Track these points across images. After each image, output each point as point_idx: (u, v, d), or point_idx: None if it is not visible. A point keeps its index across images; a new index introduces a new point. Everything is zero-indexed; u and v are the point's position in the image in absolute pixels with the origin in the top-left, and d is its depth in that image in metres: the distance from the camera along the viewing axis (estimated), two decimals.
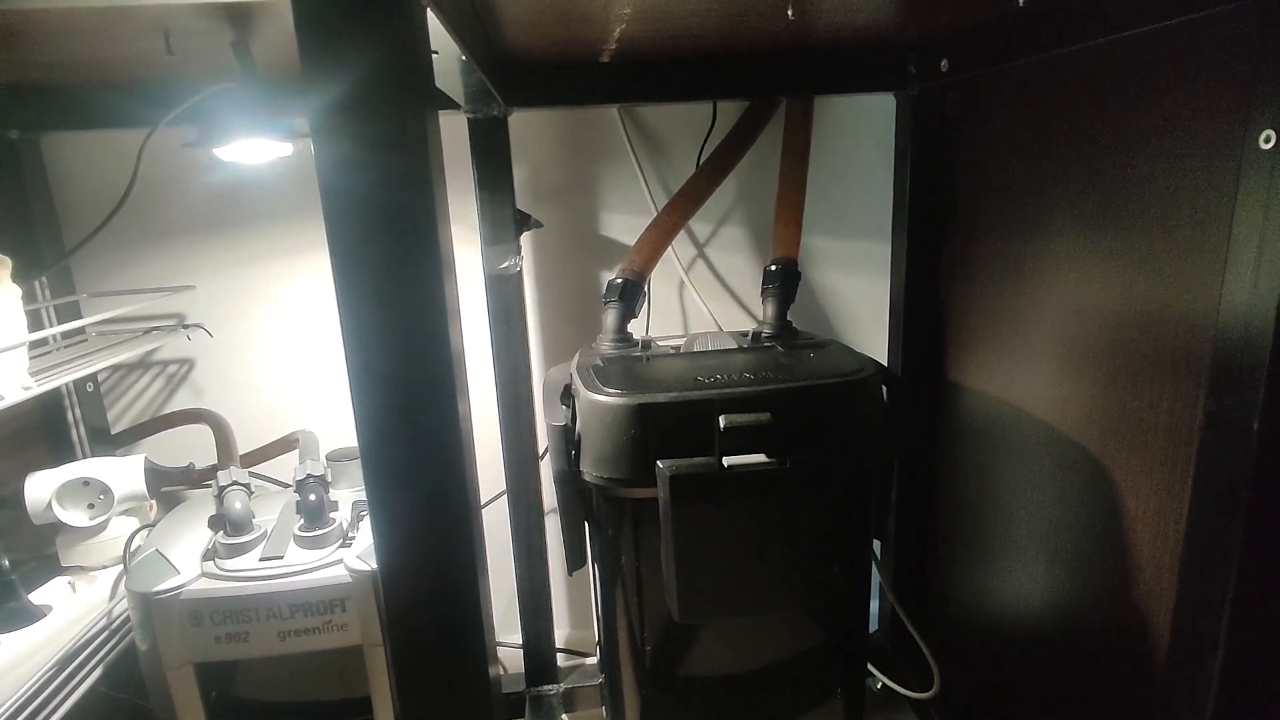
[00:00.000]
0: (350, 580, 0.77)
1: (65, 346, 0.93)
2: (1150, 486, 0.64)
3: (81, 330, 0.97)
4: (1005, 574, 0.86)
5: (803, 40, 0.85)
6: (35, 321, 0.90)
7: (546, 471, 1.02)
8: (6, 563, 0.80)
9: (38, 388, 0.73)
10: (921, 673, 0.99)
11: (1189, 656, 0.59)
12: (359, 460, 0.94)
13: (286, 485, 1.01)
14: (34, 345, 0.84)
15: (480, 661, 0.49)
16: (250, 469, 0.98)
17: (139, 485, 0.90)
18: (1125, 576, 0.67)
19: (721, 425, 0.68)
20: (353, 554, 0.79)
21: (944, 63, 0.88)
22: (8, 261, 0.73)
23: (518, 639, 1.10)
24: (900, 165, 0.99)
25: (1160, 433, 0.63)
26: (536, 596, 1.08)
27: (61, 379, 0.78)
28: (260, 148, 0.77)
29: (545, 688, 1.10)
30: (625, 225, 1.09)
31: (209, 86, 0.74)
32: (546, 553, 1.07)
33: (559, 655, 1.15)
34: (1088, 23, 0.66)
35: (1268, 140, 0.50)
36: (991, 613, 0.90)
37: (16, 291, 0.73)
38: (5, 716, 0.68)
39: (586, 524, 0.80)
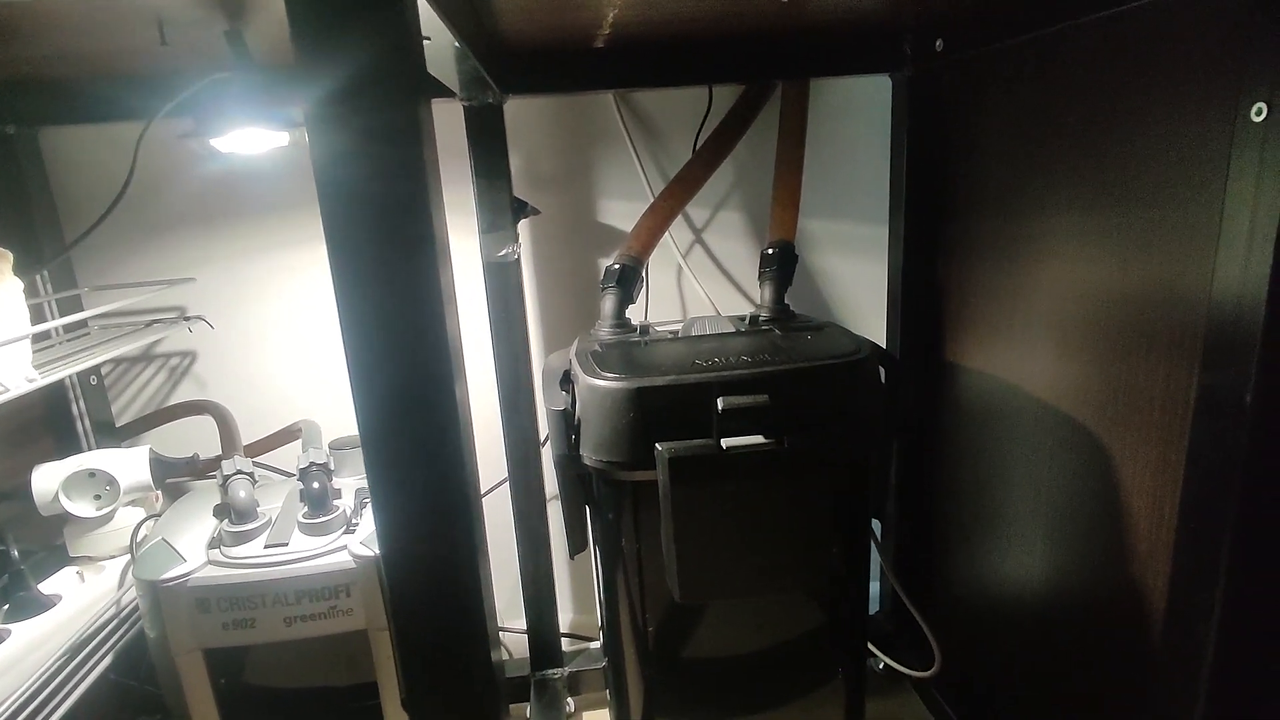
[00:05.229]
0: (354, 566, 0.78)
1: (68, 340, 0.93)
2: (1146, 461, 0.64)
3: (84, 323, 0.98)
4: (1004, 551, 0.87)
5: (797, 23, 0.85)
6: (37, 315, 0.90)
7: (548, 459, 1.03)
8: (16, 553, 0.81)
9: (42, 379, 0.73)
10: (923, 652, 1.00)
11: (1184, 628, 0.60)
12: (361, 449, 0.96)
13: (290, 475, 1.02)
14: (37, 339, 0.84)
15: (482, 644, 0.49)
16: (254, 459, 0.99)
17: (144, 476, 0.91)
18: (1122, 551, 0.68)
19: (720, 407, 0.68)
20: (356, 540, 0.80)
21: (939, 43, 0.88)
22: (9, 255, 0.74)
23: (522, 624, 1.11)
24: (897, 147, 0.99)
25: (1156, 408, 0.63)
26: (540, 582, 1.09)
27: (64, 371, 0.79)
28: (256, 137, 0.77)
29: (550, 671, 1.12)
30: (622, 211, 1.09)
31: (204, 77, 0.74)
32: (549, 539, 1.08)
33: (563, 640, 1.16)
34: None
35: (1259, 113, 0.50)
36: (991, 590, 0.91)
37: (19, 285, 0.74)
38: (18, 703, 0.70)
39: (587, 508, 0.81)
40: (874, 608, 1.19)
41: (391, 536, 0.46)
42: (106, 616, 0.82)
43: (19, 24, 0.65)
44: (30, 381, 0.72)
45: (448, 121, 0.94)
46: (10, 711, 0.68)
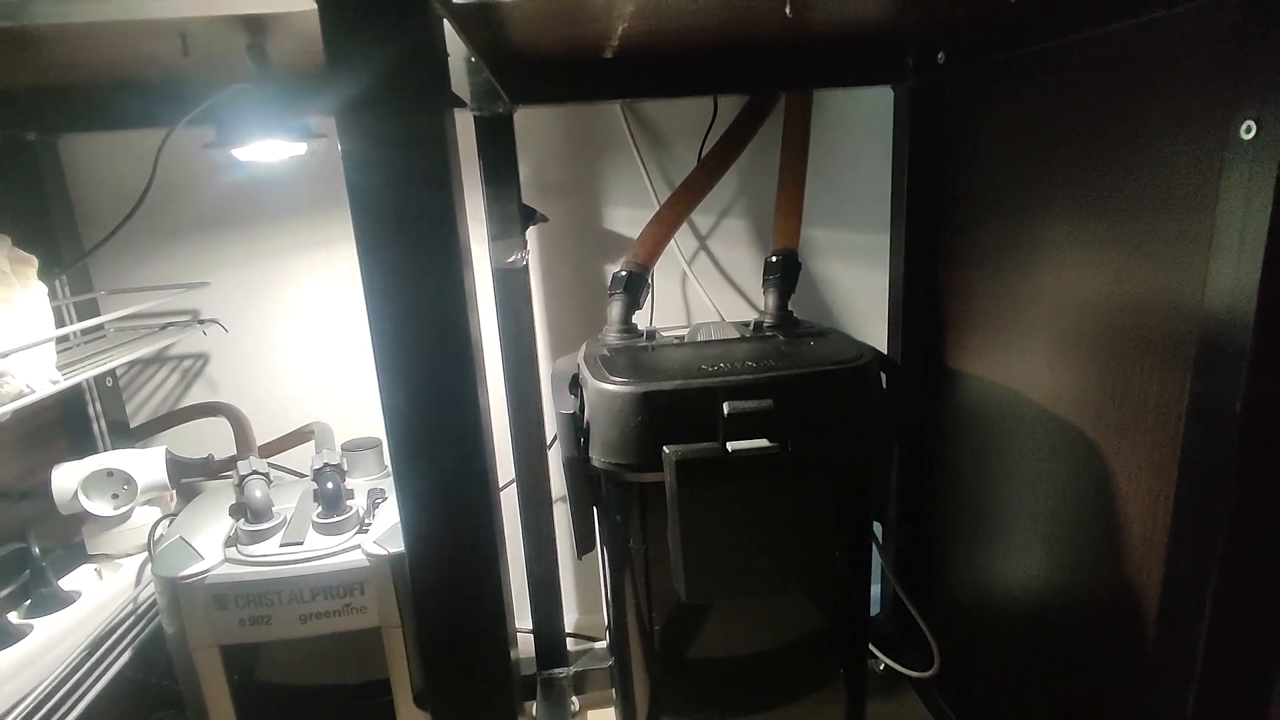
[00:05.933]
0: (368, 564, 0.80)
1: (86, 342, 0.95)
2: (1141, 466, 0.66)
3: (100, 327, 1.00)
4: (1003, 554, 0.89)
5: (801, 35, 0.87)
6: (56, 319, 0.92)
7: (554, 460, 1.05)
8: (37, 550, 0.83)
9: (65, 381, 0.75)
10: (923, 653, 1.01)
11: (1178, 629, 0.61)
12: (373, 450, 0.98)
13: (303, 475, 1.04)
14: (56, 341, 0.86)
15: (501, 640, 0.51)
16: (267, 460, 1.01)
17: (161, 476, 0.93)
18: (1118, 553, 0.70)
19: (725, 411, 0.70)
20: (370, 539, 0.82)
21: (940, 55, 0.90)
22: (34, 260, 0.76)
23: (528, 624, 1.13)
24: (898, 156, 1.01)
25: (1150, 414, 0.65)
26: (546, 582, 1.10)
27: (85, 373, 0.80)
28: (275, 147, 0.79)
29: (556, 670, 1.13)
30: (628, 219, 1.11)
31: (225, 88, 0.76)
32: (555, 539, 1.10)
33: (569, 640, 1.18)
34: (1079, 15, 0.68)
35: (1249, 130, 0.52)
36: (990, 592, 0.93)
37: (43, 289, 0.76)
38: (40, 697, 0.71)
39: (595, 509, 0.83)
40: (875, 609, 1.20)
41: (415, 532, 0.47)
42: (125, 613, 0.84)
43: (42, 33, 0.66)
44: (54, 384, 0.74)
45: (458, 130, 0.96)
46: (34, 705, 0.70)
